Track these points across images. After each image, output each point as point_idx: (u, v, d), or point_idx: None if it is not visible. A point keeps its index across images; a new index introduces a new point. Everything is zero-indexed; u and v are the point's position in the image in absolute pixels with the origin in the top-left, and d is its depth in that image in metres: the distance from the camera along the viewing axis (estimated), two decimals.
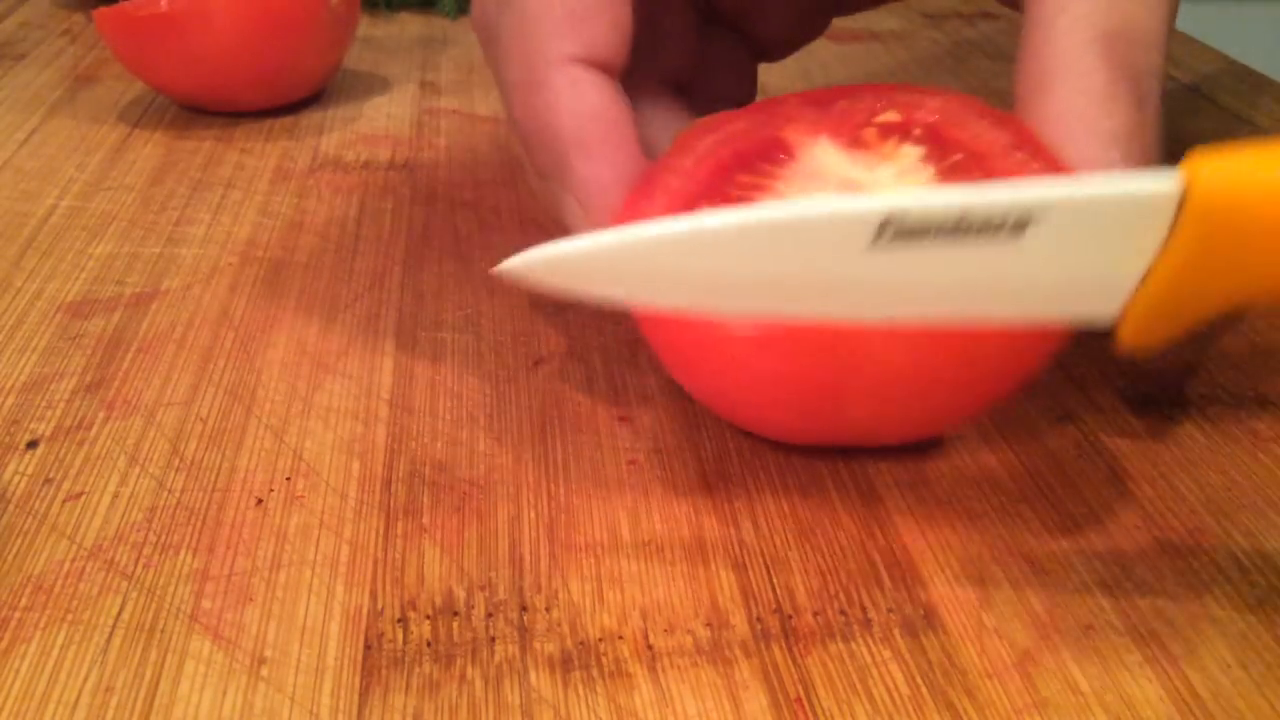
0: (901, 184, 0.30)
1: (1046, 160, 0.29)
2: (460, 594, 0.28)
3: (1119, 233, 0.25)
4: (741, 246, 0.27)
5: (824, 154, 0.32)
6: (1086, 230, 0.25)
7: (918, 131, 0.31)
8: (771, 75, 0.54)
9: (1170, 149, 0.29)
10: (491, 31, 0.34)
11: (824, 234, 0.26)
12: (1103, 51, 0.29)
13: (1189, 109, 0.55)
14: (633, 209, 0.31)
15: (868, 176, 0.31)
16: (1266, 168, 0.25)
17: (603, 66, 0.32)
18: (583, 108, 0.31)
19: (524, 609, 0.27)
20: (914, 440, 0.32)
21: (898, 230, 0.26)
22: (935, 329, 0.28)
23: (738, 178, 0.31)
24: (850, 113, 0.32)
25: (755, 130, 0.33)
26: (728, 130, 0.33)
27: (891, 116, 0.32)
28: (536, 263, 0.28)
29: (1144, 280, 0.26)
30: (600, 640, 0.26)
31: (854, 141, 0.32)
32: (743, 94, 0.42)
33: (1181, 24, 0.68)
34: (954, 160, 0.30)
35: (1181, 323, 0.27)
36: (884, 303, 0.27)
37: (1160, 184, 0.25)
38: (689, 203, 0.31)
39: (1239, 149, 0.25)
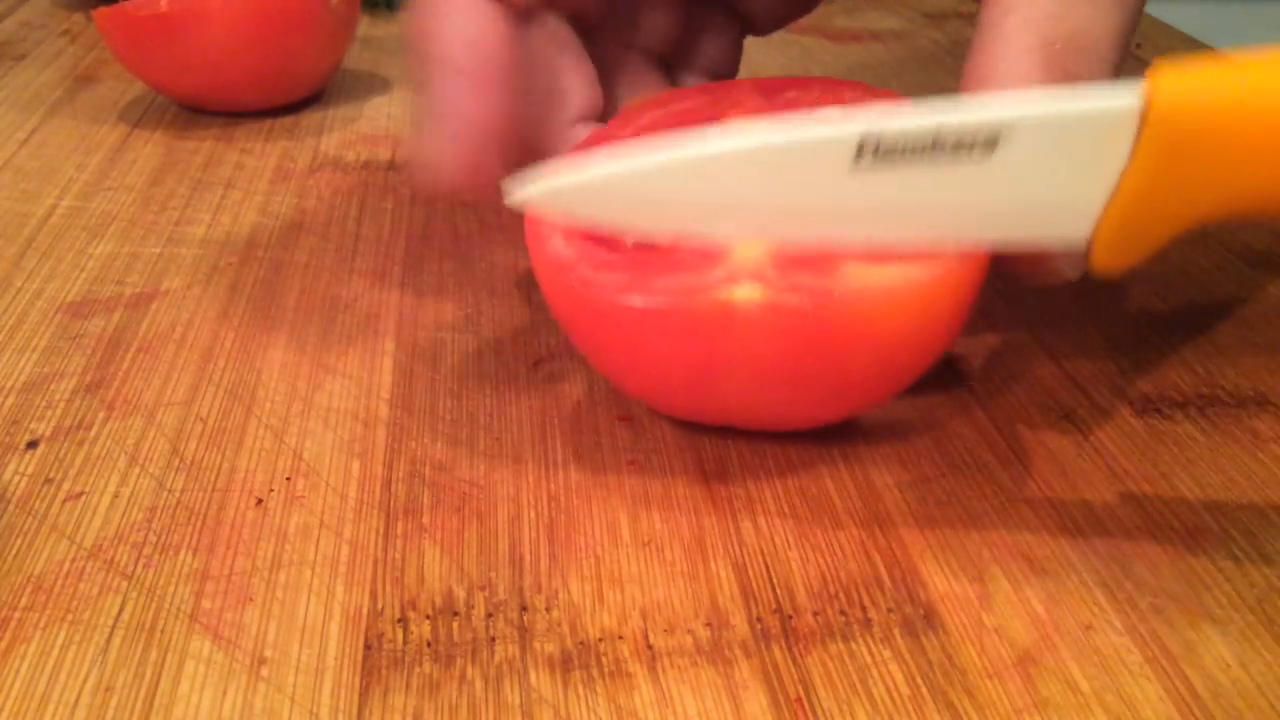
0: None
1: None
2: (460, 594, 0.28)
3: (1085, 148, 0.26)
4: (733, 171, 0.28)
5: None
6: (1054, 146, 0.26)
7: None
8: (771, 75, 0.54)
9: None
10: None
11: (810, 155, 0.27)
12: (1042, 61, 0.29)
13: None
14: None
15: None
16: (1226, 79, 0.25)
17: (508, 4, 0.33)
18: (465, 35, 0.32)
19: (524, 609, 0.27)
20: (801, 427, 0.32)
21: (876, 150, 0.27)
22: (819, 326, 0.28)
23: None
24: (795, 103, 0.34)
25: (700, 110, 0.34)
26: (673, 108, 0.34)
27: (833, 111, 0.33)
28: (542, 193, 0.30)
29: (1112, 197, 0.26)
30: (600, 640, 0.26)
31: None
32: (727, 68, 0.42)
33: (1181, 23, 0.68)
34: None
35: (1151, 239, 0.27)
36: (866, 225, 0.28)
37: (1122, 97, 0.25)
38: None
39: (1199, 62, 0.25)
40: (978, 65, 0.30)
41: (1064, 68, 0.29)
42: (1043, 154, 0.26)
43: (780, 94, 0.34)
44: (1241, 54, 0.25)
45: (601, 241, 0.30)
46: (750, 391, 0.30)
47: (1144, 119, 0.25)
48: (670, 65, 0.41)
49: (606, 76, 0.38)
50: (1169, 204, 0.26)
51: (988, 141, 0.27)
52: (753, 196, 0.29)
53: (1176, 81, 0.25)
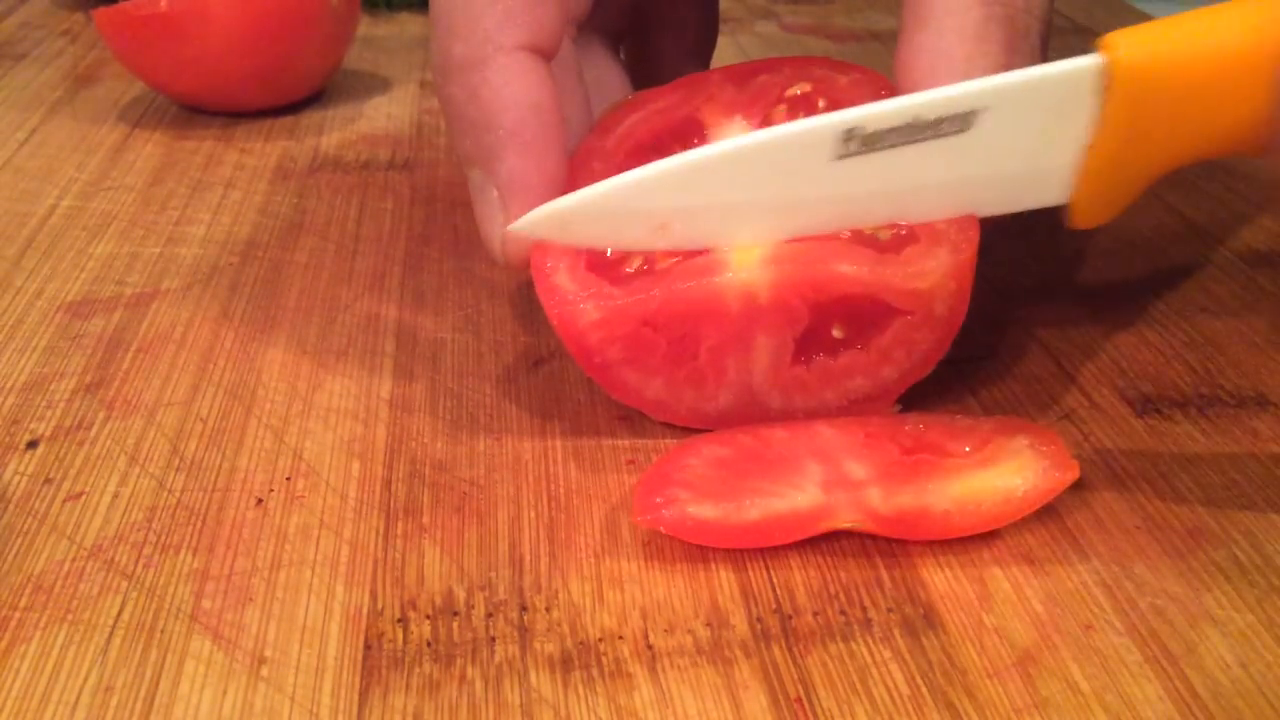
0: None
1: None
2: (460, 594, 0.28)
3: (1054, 113, 0.28)
4: (723, 173, 0.30)
5: (736, 132, 0.33)
6: (1024, 115, 0.28)
7: (822, 103, 0.33)
8: None
9: None
10: (440, 4, 0.32)
11: (794, 151, 0.29)
12: (983, 22, 0.29)
13: None
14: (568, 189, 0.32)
15: None
16: (1176, 34, 0.28)
17: (545, 54, 0.32)
18: (525, 99, 0.31)
19: (524, 609, 0.27)
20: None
21: (859, 139, 0.29)
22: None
23: (652, 159, 0.31)
24: (767, 87, 0.34)
25: (673, 109, 0.35)
26: (648, 109, 0.35)
27: (803, 88, 0.34)
28: (540, 219, 0.31)
29: (1085, 156, 0.28)
30: (600, 640, 0.26)
31: (765, 120, 0.33)
32: (698, 35, 0.41)
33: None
34: None
35: (1126, 191, 0.29)
36: (853, 209, 0.30)
37: (1082, 63, 0.28)
38: None
39: (1150, 23, 0.28)
40: (919, 43, 0.30)
41: (1004, 35, 0.29)
42: (1016, 122, 0.28)
43: (752, 80, 0.34)
44: (1185, 14, 0.28)
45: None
46: None
47: (1106, 79, 0.27)
48: (644, 35, 0.40)
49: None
50: (1138, 155, 0.28)
51: (963, 117, 0.28)
52: (743, 195, 0.30)
53: (1132, 41, 0.27)
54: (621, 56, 0.40)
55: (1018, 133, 0.28)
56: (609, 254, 0.32)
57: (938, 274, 0.30)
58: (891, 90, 0.32)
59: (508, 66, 0.31)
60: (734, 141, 0.29)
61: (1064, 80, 0.28)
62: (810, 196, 0.30)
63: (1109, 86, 0.27)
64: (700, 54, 0.41)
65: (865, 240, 0.31)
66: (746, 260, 0.31)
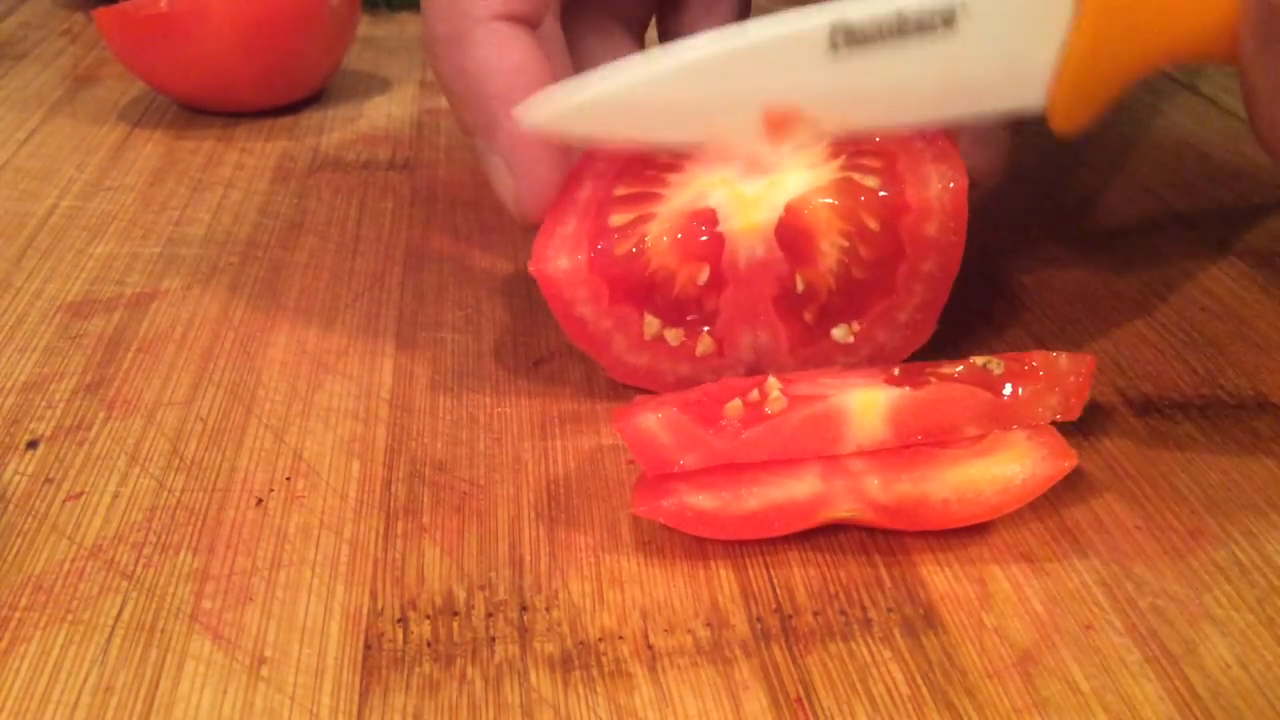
0: (801, 157, 0.33)
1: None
2: (460, 594, 0.28)
3: (1033, 13, 0.30)
4: (723, 71, 0.31)
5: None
6: (1005, 15, 0.30)
7: None
8: None
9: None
10: None
11: (789, 49, 0.30)
12: None
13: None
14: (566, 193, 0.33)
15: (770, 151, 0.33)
16: None
17: (524, 20, 0.33)
18: (507, 64, 0.33)
19: (524, 609, 0.27)
20: None
21: (848, 37, 0.30)
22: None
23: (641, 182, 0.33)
24: None
25: None
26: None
27: None
28: (548, 115, 0.31)
29: (1063, 58, 0.30)
30: (600, 640, 0.26)
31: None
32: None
33: None
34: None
35: (1102, 94, 0.31)
36: (844, 108, 0.31)
37: None
38: (617, 172, 0.34)
39: None
40: None
41: None
42: (996, 24, 0.30)
43: None
44: None
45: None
46: None
47: None
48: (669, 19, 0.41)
49: (588, 54, 0.38)
50: (1114, 57, 0.30)
51: (946, 18, 0.30)
52: (742, 93, 0.31)
53: None
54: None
55: (998, 32, 0.30)
56: (699, 400, 0.30)
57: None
58: None
59: (486, 38, 0.33)
60: (727, 38, 0.31)
61: None
62: (805, 92, 0.31)
63: None
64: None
65: None
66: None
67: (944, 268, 0.32)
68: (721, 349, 0.33)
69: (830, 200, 0.32)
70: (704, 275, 0.33)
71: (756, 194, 0.32)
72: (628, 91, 0.31)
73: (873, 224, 0.32)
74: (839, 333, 0.33)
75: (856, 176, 0.32)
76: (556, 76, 0.34)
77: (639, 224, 0.33)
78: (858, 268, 0.33)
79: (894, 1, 0.30)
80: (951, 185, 0.31)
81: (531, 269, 0.32)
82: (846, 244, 0.32)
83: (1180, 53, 0.30)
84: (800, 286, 0.33)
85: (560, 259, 0.33)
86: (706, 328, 0.33)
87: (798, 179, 0.32)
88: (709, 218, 0.32)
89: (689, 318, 0.33)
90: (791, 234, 0.32)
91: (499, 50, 0.33)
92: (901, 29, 0.30)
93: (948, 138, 0.32)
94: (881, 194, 0.32)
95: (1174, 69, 0.30)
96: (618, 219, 0.33)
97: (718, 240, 0.32)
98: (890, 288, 0.33)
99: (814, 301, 0.33)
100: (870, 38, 0.30)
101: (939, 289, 0.33)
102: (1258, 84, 0.29)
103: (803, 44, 0.30)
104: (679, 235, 0.32)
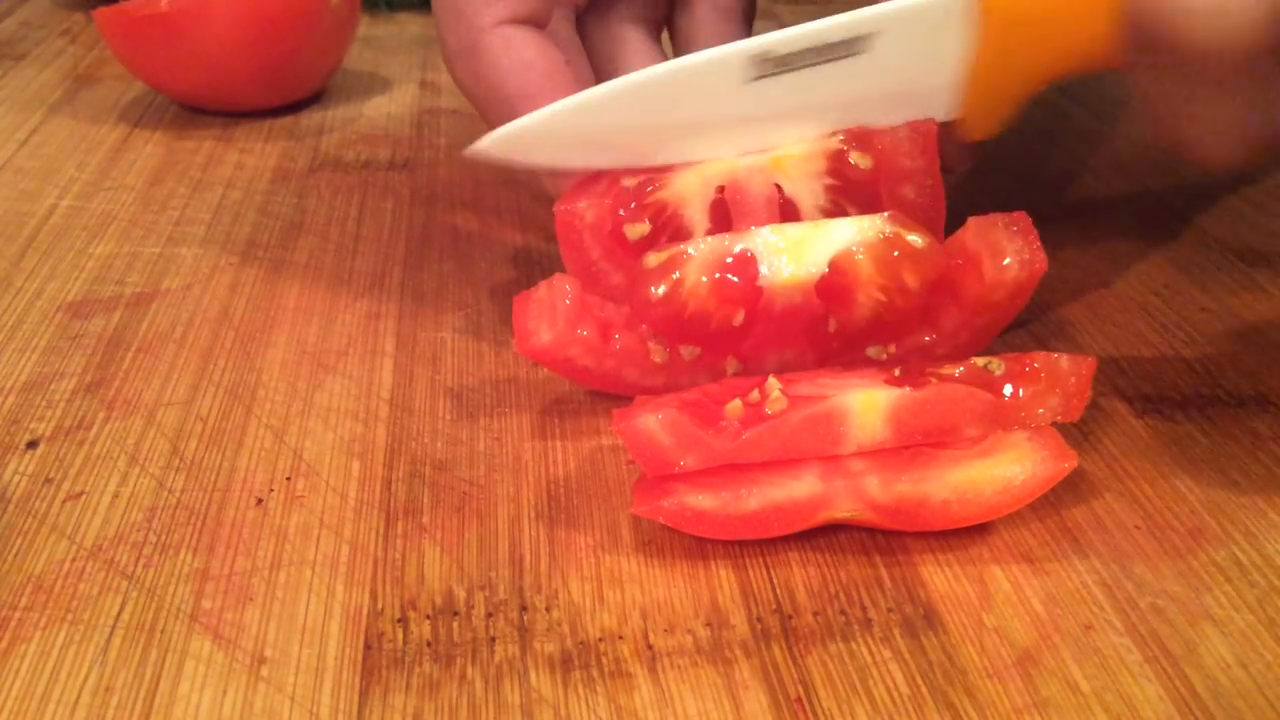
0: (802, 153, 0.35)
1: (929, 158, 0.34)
2: (460, 594, 0.28)
3: (939, 33, 0.33)
4: (650, 97, 0.33)
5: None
6: (913, 36, 0.33)
7: None
8: None
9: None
10: (435, 5, 0.36)
11: (714, 73, 0.33)
12: None
13: None
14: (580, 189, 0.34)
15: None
16: None
17: (530, 21, 0.35)
18: (518, 63, 0.35)
19: (524, 609, 0.27)
20: None
21: (770, 61, 0.33)
22: None
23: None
24: None
25: None
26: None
27: None
28: (494, 141, 0.34)
29: (969, 73, 0.33)
30: (600, 640, 0.26)
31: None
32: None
33: None
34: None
35: (1008, 105, 0.34)
36: (765, 127, 0.34)
37: None
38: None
39: None
40: None
41: None
42: (907, 44, 0.33)
43: None
44: None
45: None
46: None
47: (981, 5, 0.32)
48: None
49: (609, 57, 0.39)
50: (1014, 71, 0.33)
51: (861, 40, 0.32)
52: (672, 115, 0.33)
53: None
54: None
55: (909, 52, 0.33)
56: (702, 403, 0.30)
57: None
58: None
59: (495, 43, 0.35)
60: (659, 67, 0.33)
61: (945, 6, 0.32)
62: (730, 114, 0.33)
63: (985, 11, 0.32)
64: (743, 25, 0.42)
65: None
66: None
67: (997, 324, 0.33)
68: (748, 368, 0.34)
69: (870, 257, 0.32)
70: (739, 318, 0.33)
71: (799, 238, 0.32)
72: (564, 117, 0.33)
73: (913, 282, 0.32)
74: (873, 351, 0.34)
75: (903, 232, 0.32)
76: (577, 75, 0.36)
77: (672, 266, 0.32)
78: (893, 314, 0.33)
79: (814, 28, 0.32)
80: (1027, 261, 0.32)
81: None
82: (884, 298, 0.32)
83: (1076, 63, 0.33)
84: (833, 327, 0.33)
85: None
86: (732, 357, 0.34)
87: (842, 233, 0.32)
88: (748, 264, 0.32)
89: (718, 346, 0.33)
90: (833, 289, 0.32)
91: (510, 52, 0.34)
92: (821, 53, 0.33)
93: (1027, 217, 0.33)
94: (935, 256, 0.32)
95: (1073, 80, 0.34)
96: (652, 260, 0.33)
97: (755, 290, 0.32)
98: (931, 322, 0.33)
99: (846, 332, 0.33)
100: (792, 62, 0.33)
101: (985, 339, 0.33)
102: (1146, 90, 0.30)
103: (730, 67, 0.33)
104: (716, 277, 0.32)
